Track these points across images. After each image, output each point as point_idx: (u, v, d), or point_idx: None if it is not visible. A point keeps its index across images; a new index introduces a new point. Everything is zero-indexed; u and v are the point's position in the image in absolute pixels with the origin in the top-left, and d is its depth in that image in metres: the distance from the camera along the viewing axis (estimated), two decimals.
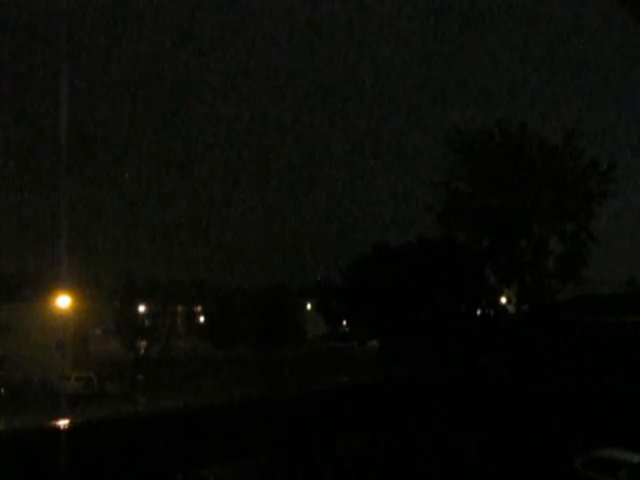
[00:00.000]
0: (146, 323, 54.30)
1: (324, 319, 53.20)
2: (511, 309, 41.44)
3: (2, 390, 34.67)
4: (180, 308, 65.48)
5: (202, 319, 63.36)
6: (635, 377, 23.57)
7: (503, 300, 43.56)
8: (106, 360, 47.03)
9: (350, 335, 54.05)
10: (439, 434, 23.05)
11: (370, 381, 34.26)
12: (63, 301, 39.32)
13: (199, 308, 65.30)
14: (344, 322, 55.90)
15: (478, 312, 40.84)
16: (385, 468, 20.40)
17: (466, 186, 39.79)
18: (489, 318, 39.97)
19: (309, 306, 62.69)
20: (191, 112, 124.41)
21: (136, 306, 53.98)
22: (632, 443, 17.28)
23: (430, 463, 20.31)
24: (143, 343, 53.08)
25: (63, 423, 21.38)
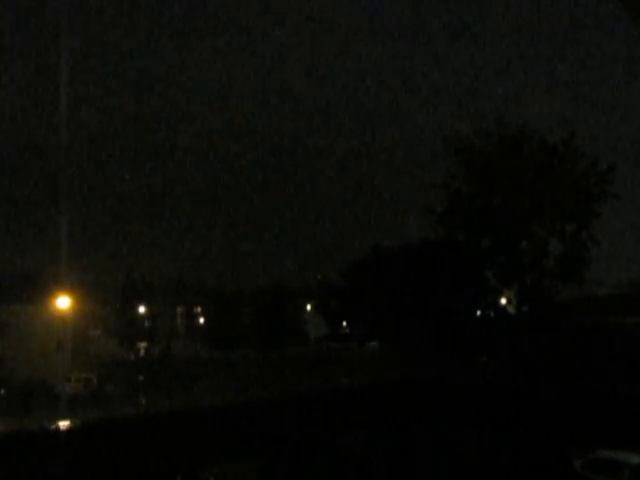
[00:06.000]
0: (146, 324, 54.25)
1: (324, 320, 53.06)
2: (511, 310, 41.35)
3: (2, 390, 34.59)
4: (180, 309, 65.43)
5: (202, 320, 63.24)
6: (635, 378, 23.57)
7: (503, 301, 43.47)
8: (106, 361, 46.98)
9: (350, 336, 53.96)
10: (439, 433, 23.03)
11: (370, 381, 34.29)
12: (63, 302, 39.22)
13: (199, 309, 65.20)
14: (344, 323, 55.77)
15: (478, 313, 40.77)
16: (384, 468, 20.37)
17: (466, 187, 39.73)
18: (489, 318, 39.91)
19: (309, 307, 62.55)
20: (191, 114, 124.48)
21: (136, 307, 53.94)
22: (632, 443, 17.27)
23: (429, 462, 20.31)
24: (143, 344, 53.02)
25: (63, 423, 21.39)
